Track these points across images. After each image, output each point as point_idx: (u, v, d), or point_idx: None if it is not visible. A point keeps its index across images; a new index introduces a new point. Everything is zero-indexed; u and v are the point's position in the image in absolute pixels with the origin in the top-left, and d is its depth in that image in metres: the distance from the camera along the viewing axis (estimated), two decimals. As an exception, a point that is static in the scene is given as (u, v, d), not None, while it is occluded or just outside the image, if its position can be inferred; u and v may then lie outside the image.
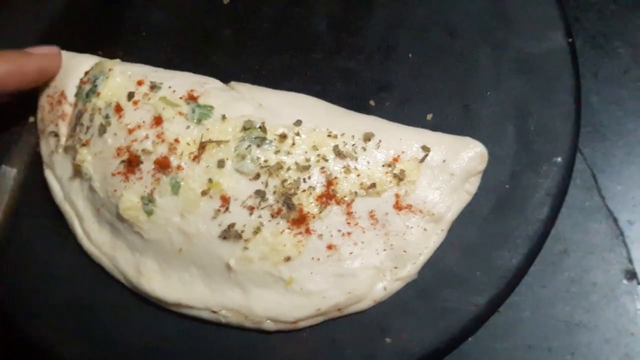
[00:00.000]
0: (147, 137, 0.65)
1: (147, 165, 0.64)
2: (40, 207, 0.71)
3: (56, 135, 0.70)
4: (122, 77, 0.68)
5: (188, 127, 0.65)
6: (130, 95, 0.67)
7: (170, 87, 0.67)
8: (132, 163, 0.65)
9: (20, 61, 0.66)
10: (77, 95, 0.70)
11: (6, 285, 0.69)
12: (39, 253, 0.70)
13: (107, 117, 0.66)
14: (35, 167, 0.72)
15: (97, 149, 0.67)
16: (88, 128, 0.67)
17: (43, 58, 0.69)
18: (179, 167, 0.64)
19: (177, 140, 0.64)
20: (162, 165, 0.64)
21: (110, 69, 0.68)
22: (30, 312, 0.68)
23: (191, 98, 0.66)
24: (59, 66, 0.70)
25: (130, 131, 0.65)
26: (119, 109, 0.67)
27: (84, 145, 0.67)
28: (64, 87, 0.70)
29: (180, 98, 0.66)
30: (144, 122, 0.66)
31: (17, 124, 0.74)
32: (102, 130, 0.66)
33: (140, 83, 0.68)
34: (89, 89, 0.68)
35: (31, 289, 0.69)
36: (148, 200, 0.64)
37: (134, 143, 0.65)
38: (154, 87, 0.67)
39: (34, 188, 0.72)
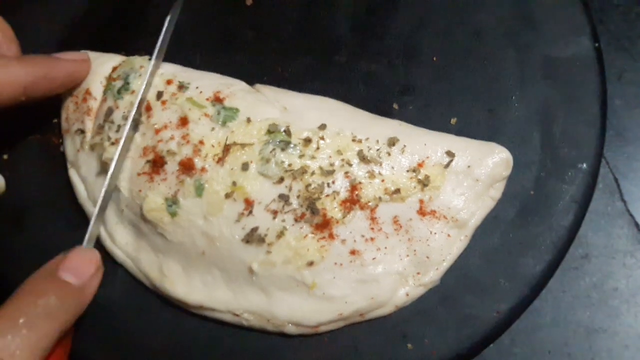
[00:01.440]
0: (172, 137, 0.65)
1: (172, 166, 0.64)
2: (63, 209, 0.71)
3: (82, 132, 0.70)
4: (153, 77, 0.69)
5: (213, 128, 0.65)
6: (159, 95, 0.67)
7: (197, 87, 0.67)
8: (156, 163, 0.65)
9: (50, 66, 0.66)
10: (105, 91, 0.69)
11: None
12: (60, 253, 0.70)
13: (139, 122, 0.67)
14: (56, 167, 0.72)
15: (126, 148, 0.67)
16: (119, 126, 0.67)
17: (72, 63, 0.69)
18: (203, 169, 0.64)
19: (201, 142, 0.64)
20: (186, 166, 0.64)
21: (141, 66, 0.69)
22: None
23: (217, 100, 0.66)
24: (88, 72, 0.70)
25: (157, 131, 0.66)
26: (148, 107, 0.67)
27: (112, 144, 0.67)
28: (88, 85, 0.70)
29: (207, 99, 0.66)
30: (170, 122, 0.66)
31: (41, 125, 0.74)
32: (135, 130, 0.67)
33: (169, 82, 0.68)
34: (120, 85, 0.68)
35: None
36: (172, 202, 0.64)
37: (159, 143, 0.65)
38: (181, 87, 0.67)
39: (58, 189, 0.72)
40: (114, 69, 0.70)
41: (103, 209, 0.67)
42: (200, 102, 0.66)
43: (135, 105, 0.66)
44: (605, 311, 0.72)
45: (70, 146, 0.71)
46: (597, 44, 0.69)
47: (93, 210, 0.69)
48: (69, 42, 0.74)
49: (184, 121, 0.65)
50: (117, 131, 0.67)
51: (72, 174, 0.71)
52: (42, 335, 0.53)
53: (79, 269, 0.59)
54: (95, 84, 0.70)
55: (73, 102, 0.71)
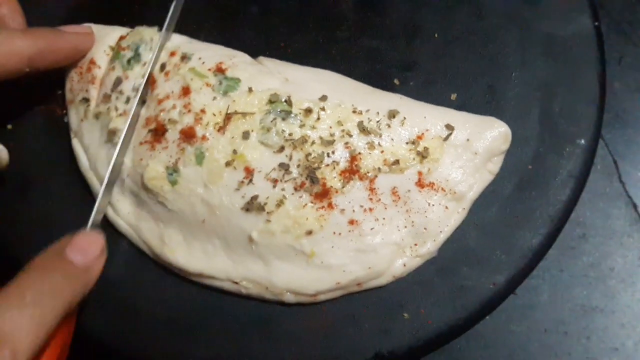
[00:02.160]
0: (174, 106, 0.66)
1: (173, 135, 0.65)
2: (67, 179, 0.72)
3: (87, 100, 0.71)
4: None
5: (214, 98, 0.65)
6: (163, 67, 0.68)
7: (200, 58, 0.68)
8: (158, 132, 0.65)
9: (54, 39, 0.67)
10: (112, 60, 0.70)
11: (31, 257, 0.70)
12: (65, 224, 0.70)
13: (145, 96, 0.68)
14: (60, 138, 0.73)
15: (133, 123, 0.68)
16: (129, 98, 0.68)
17: (76, 36, 0.70)
18: (203, 137, 0.64)
19: (203, 111, 0.65)
20: (188, 135, 0.65)
21: (151, 38, 0.70)
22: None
23: (219, 70, 0.67)
24: (92, 45, 0.71)
25: (160, 101, 0.66)
26: (152, 81, 0.68)
27: (120, 116, 0.68)
28: (92, 54, 0.71)
29: (209, 70, 0.67)
30: (172, 92, 0.66)
31: (45, 96, 0.74)
32: (142, 101, 0.68)
33: (172, 54, 0.69)
34: (130, 56, 0.69)
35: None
36: (173, 170, 0.65)
37: (161, 113, 0.66)
38: (184, 57, 0.68)
39: (61, 159, 0.73)
40: (122, 37, 0.71)
41: (108, 190, 0.68)
42: (202, 72, 0.67)
43: (144, 81, 0.67)
44: (602, 290, 0.73)
45: (74, 116, 0.72)
46: (597, 23, 0.69)
47: (95, 181, 0.70)
48: (73, 17, 0.74)
49: (186, 91, 0.66)
50: (127, 102, 0.68)
51: (75, 143, 0.71)
52: (47, 312, 0.54)
53: (85, 250, 0.60)
54: (100, 53, 0.71)
55: (77, 73, 0.71)
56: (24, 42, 0.64)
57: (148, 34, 0.70)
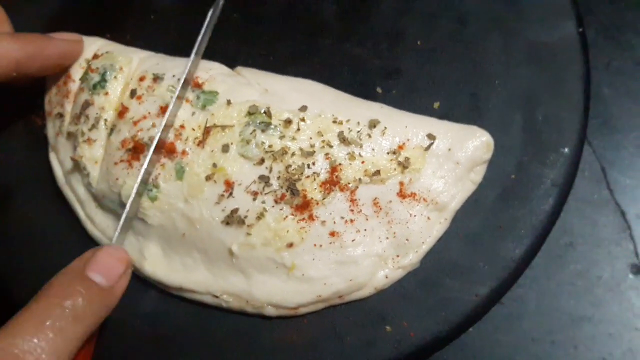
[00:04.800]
0: (153, 125, 0.65)
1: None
2: (47, 190, 0.72)
3: (61, 116, 0.70)
4: (127, 78, 0.69)
5: (193, 113, 0.65)
6: (133, 93, 0.67)
7: (174, 75, 0.67)
8: (137, 150, 0.65)
9: (43, 44, 0.66)
10: (82, 78, 0.70)
11: (9, 266, 0.70)
12: (44, 235, 0.71)
13: (113, 124, 0.67)
14: (39, 149, 0.73)
15: (101, 150, 0.67)
16: (93, 126, 0.67)
17: (65, 43, 0.69)
18: (183, 152, 0.64)
19: (182, 127, 0.65)
20: (168, 150, 0.64)
21: (121, 68, 0.69)
22: (33, 293, 0.68)
23: (196, 85, 0.66)
24: (81, 52, 0.70)
25: (135, 123, 0.66)
26: (123, 111, 0.67)
27: (85, 142, 0.67)
28: (69, 68, 0.70)
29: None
30: (149, 113, 0.66)
31: (26, 107, 0.74)
32: (109, 134, 0.67)
33: (142, 79, 0.68)
34: (97, 80, 0.69)
35: (34, 270, 0.69)
36: (153, 186, 0.64)
37: (139, 132, 0.65)
38: (156, 78, 0.67)
39: (41, 170, 0.72)
40: (95, 56, 0.71)
41: (135, 204, 0.64)
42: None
43: (162, 126, 0.64)
44: (589, 299, 0.72)
45: (51, 129, 0.72)
46: (581, 29, 0.68)
47: (71, 195, 0.70)
48: (54, 24, 0.74)
49: (164, 109, 0.65)
50: (91, 129, 0.67)
51: (52, 157, 0.71)
52: (68, 339, 0.51)
53: (108, 268, 0.56)
54: (76, 67, 0.70)
55: (55, 85, 0.71)
56: (12, 45, 0.63)
57: (120, 61, 0.69)
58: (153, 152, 0.63)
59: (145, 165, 0.63)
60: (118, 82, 0.68)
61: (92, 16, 0.76)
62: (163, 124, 0.64)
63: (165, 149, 0.64)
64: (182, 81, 0.65)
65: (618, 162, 0.76)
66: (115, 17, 0.76)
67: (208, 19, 0.71)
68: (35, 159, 0.73)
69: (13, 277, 0.69)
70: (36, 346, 0.49)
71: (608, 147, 0.76)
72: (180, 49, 0.72)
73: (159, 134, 0.63)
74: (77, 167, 0.69)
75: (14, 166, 0.72)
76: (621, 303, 0.71)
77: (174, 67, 0.68)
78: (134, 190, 0.63)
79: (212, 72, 0.68)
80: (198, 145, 0.64)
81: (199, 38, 0.69)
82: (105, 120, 0.67)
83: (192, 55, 0.68)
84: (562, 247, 0.73)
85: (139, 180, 0.63)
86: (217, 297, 0.65)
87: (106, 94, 0.68)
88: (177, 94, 0.65)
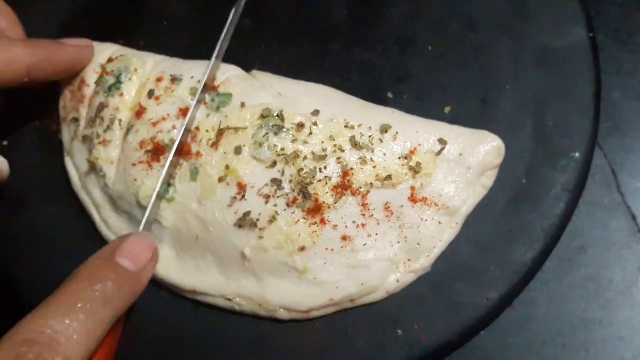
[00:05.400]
0: (174, 127, 0.66)
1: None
2: (61, 194, 0.72)
3: (77, 120, 0.71)
4: (143, 79, 0.69)
5: (208, 115, 0.66)
6: (151, 93, 0.68)
7: (192, 77, 0.68)
8: (157, 151, 0.65)
9: (54, 50, 0.67)
10: (97, 82, 0.70)
11: (25, 272, 0.70)
12: (59, 240, 0.71)
13: (130, 124, 0.67)
14: (54, 154, 0.73)
15: (117, 150, 0.68)
16: (108, 127, 0.68)
17: (75, 48, 0.70)
18: (198, 154, 0.65)
19: (197, 128, 0.65)
20: (184, 152, 0.65)
21: (135, 69, 0.69)
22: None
23: (212, 88, 0.67)
24: (91, 57, 0.71)
25: (155, 124, 0.66)
26: (140, 111, 0.67)
27: (100, 143, 0.68)
28: (83, 73, 0.71)
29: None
30: (168, 114, 0.66)
31: (40, 112, 0.75)
32: (125, 134, 0.68)
33: (159, 79, 0.68)
34: (112, 82, 0.69)
35: (48, 275, 0.68)
36: (170, 186, 0.65)
37: (159, 134, 0.66)
38: (174, 79, 0.68)
39: (56, 175, 0.73)
40: (110, 60, 0.71)
41: (155, 206, 0.65)
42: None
43: (185, 123, 0.65)
44: (600, 302, 0.72)
45: (66, 134, 0.72)
46: (591, 34, 0.68)
47: (87, 200, 0.71)
48: (66, 30, 0.75)
49: (184, 111, 0.66)
50: (106, 130, 0.68)
51: (67, 162, 0.72)
52: (98, 321, 0.52)
53: (136, 254, 0.58)
54: (90, 71, 0.71)
55: (70, 90, 0.72)
56: (23, 50, 0.64)
57: (135, 63, 0.70)
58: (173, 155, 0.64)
59: (166, 167, 0.64)
60: (133, 83, 0.69)
61: (105, 22, 0.77)
62: (184, 127, 0.64)
63: (183, 150, 0.65)
64: (202, 84, 0.66)
65: (629, 165, 0.76)
66: (128, 23, 0.77)
67: (230, 18, 0.72)
68: (50, 164, 0.73)
69: (28, 281, 0.70)
70: (68, 327, 0.50)
71: (618, 150, 0.76)
72: (193, 55, 0.72)
73: (180, 137, 0.64)
74: (93, 169, 0.69)
75: (29, 171, 0.73)
76: (632, 306, 0.71)
77: (191, 69, 0.69)
78: (157, 188, 0.64)
79: (227, 74, 0.68)
80: (211, 146, 0.64)
81: (220, 40, 0.70)
82: (120, 120, 0.68)
83: (213, 58, 0.68)
84: (573, 251, 0.73)
85: (160, 181, 0.64)
86: (229, 300, 0.65)
87: (121, 94, 0.69)
88: (197, 98, 0.66)
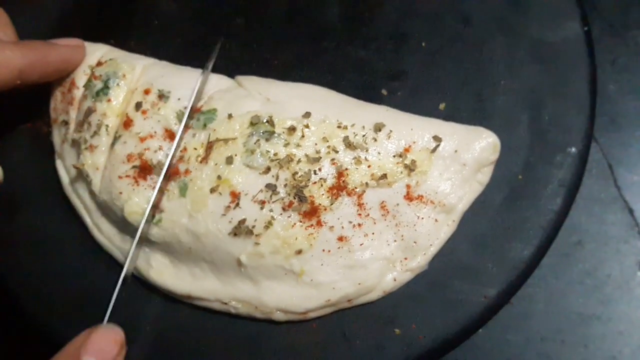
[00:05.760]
0: (160, 148, 0.65)
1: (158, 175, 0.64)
2: (54, 197, 0.72)
3: (66, 123, 0.70)
4: (131, 85, 0.69)
5: (194, 135, 0.65)
6: (138, 105, 0.67)
7: (179, 99, 0.67)
8: (144, 169, 0.65)
9: (45, 51, 0.67)
10: (86, 86, 0.70)
11: (17, 273, 0.70)
12: (51, 242, 0.71)
13: (117, 134, 0.67)
14: (46, 156, 0.73)
15: (103, 157, 0.67)
16: (95, 132, 0.67)
17: (67, 49, 0.69)
18: (186, 171, 0.64)
19: (184, 149, 0.65)
20: (172, 173, 0.64)
21: (124, 75, 0.69)
22: (40, 300, 0.69)
23: (196, 110, 0.66)
24: (82, 58, 0.71)
25: (142, 140, 0.65)
26: (128, 122, 0.66)
27: (87, 149, 0.67)
28: (74, 75, 0.70)
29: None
30: (155, 132, 0.66)
31: (32, 114, 0.74)
32: (112, 143, 0.67)
33: (147, 92, 0.67)
34: (100, 87, 0.68)
35: (42, 277, 0.69)
36: (158, 211, 0.64)
37: (146, 152, 0.65)
38: (162, 96, 0.67)
39: (48, 177, 0.72)
40: (99, 63, 0.71)
41: (127, 277, 0.63)
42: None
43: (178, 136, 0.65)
44: (598, 298, 0.72)
45: (57, 137, 0.72)
46: (586, 28, 0.68)
47: (78, 203, 0.70)
48: (58, 31, 0.74)
49: (171, 135, 0.65)
50: (93, 136, 0.67)
51: (59, 165, 0.71)
52: None
53: (102, 351, 0.55)
54: (80, 74, 0.70)
55: (60, 92, 0.71)
56: (15, 53, 0.64)
57: (123, 68, 0.69)
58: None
59: (153, 199, 0.63)
60: (121, 89, 0.68)
61: (96, 22, 0.76)
62: (171, 154, 0.64)
63: (170, 173, 0.64)
64: (187, 112, 0.65)
65: (625, 159, 0.76)
66: (120, 23, 0.76)
67: (216, 51, 0.71)
68: (42, 166, 0.73)
69: (21, 283, 0.69)
70: None
71: (615, 145, 0.76)
72: (185, 55, 0.72)
73: (168, 163, 0.63)
74: (82, 174, 0.69)
75: (21, 173, 0.72)
76: (630, 301, 0.71)
77: (179, 85, 0.68)
78: (142, 225, 0.63)
79: (210, 93, 0.67)
80: (201, 162, 0.64)
81: (198, 81, 0.68)
82: (107, 126, 0.67)
83: (194, 93, 0.66)
84: (571, 246, 0.73)
85: (147, 211, 0.63)
86: (225, 303, 0.65)
87: (109, 101, 0.68)
88: (182, 126, 0.65)
